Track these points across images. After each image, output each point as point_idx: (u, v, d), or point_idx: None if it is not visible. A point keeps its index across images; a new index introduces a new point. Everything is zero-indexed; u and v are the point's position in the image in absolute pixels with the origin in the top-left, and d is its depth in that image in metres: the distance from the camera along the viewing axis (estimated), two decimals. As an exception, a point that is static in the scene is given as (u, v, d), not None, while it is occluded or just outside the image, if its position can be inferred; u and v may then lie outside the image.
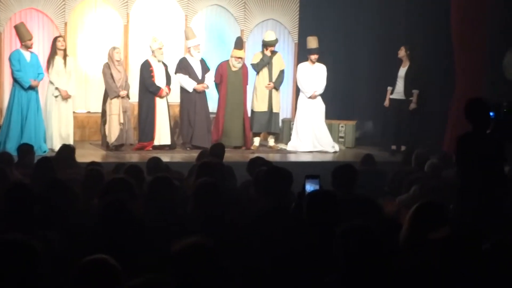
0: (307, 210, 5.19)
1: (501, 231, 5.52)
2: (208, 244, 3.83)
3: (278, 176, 6.23)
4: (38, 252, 3.62)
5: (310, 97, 13.61)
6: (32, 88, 12.15)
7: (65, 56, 12.59)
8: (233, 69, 13.47)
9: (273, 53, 13.77)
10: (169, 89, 13.06)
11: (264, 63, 13.62)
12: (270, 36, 13.80)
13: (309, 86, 13.64)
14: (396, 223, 5.33)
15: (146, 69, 12.91)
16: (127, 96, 12.76)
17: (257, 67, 13.67)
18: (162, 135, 13.04)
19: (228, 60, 13.59)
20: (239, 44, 13.63)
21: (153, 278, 3.56)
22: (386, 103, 13.70)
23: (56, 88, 12.45)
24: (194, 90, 13.20)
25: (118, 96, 12.54)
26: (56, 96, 12.48)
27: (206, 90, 13.44)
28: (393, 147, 13.44)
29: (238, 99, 13.59)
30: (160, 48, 13.01)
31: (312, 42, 13.78)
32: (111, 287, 3.63)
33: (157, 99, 12.93)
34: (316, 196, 5.30)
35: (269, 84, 13.63)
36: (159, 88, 12.86)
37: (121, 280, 3.67)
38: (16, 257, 3.56)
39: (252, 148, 13.71)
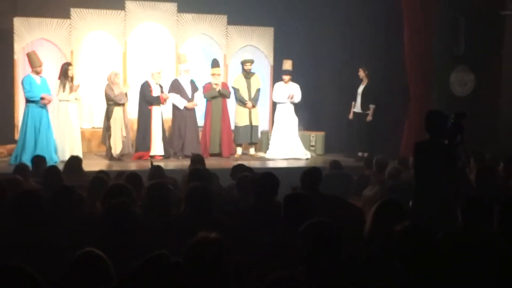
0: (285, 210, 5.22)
1: (451, 224, 5.55)
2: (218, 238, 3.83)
3: (269, 178, 6.22)
4: (39, 282, 3.30)
5: (288, 97, 13.63)
6: (43, 99, 12.07)
7: (72, 80, 12.57)
8: (214, 86, 13.52)
9: (251, 74, 13.81)
10: (166, 95, 13.12)
11: (241, 98, 13.72)
12: (245, 56, 14.02)
13: (284, 98, 13.67)
14: (360, 209, 5.32)
15: (146, 88, 13.02)
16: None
17: (237, 94, 13.78)
18: (157, 146, 13.08)
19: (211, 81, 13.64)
20: (214, 63, 13.74)
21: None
22: (350, 116, 13.81)
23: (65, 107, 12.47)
24: (185, 107, 13.23)
25: (119, 105, 12.68)
26: (65, 114, 12.48)
27: (195, 107, 13.47)
28: (360, 154, 13.45)
29: (219, 114, 13.65)
30: (159, 73, 13.14)
31: (286, 64, 13.87)
32: (99, 277, 3.61)
33: (154, 114, 13.00)
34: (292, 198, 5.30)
35: (246, 104, 13.65)
36: (158, 98, 12.98)
37: (109, 272, 3.64)
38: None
39: (235, 156, 13.72)
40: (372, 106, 13.48)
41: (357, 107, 13.66)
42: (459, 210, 5.01)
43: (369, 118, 13.49)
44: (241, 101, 13.74)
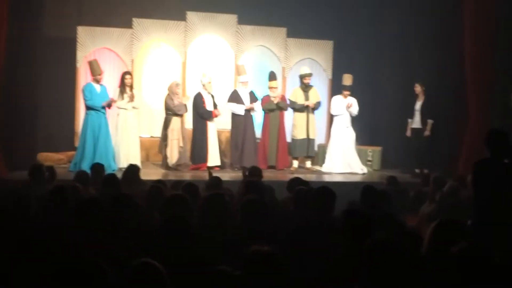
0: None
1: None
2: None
3: (326, 193, 6.19)
4: (107, 274, 3.47)
5: (347, 106, 13.57)
6: (103, 107, 12.29)
7: (131, 89, 12.71)
8: (272, 99, 13.55)
9: (309, 87, 13.78)
10: (218, 111, 13.14)
11: (301, 107, 13.72)
12: (304, 70, 13.99)
13: (343, 109, 13.62)
14: (418, 236, 5.23)
15: (199, 100, 13.05)
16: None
17: (294, 108, 13.80)
18: (213, 157, 13.12)
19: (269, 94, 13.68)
20: (272, 76, 13.76)
21: None
22: (408, 133, 13.68)
23: (124, 116, 12.63)
24: (245, 111, 13.34)
25: (177, 115, 12.84)
26: (124, 123, 12.64)
27: (254, 115, 13.58)
28: (417, 170, 13.31)
29: (277, 126, 13.67)
30: (210, 82, 13.18)
31: (347, 80, 13.82)
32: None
33: (209, 126, 13.09)
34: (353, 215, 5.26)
35: (305, 104, 13.66)
36: (211, 112, 13.02)
37: (165, 283, 3.65)
38: (88, 279, 3.41)
39: (291, 169, 13.71)
40: (430, 121, 13.34)
41: (415, 123, 13.53)
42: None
43: (427, 133, 13.35)
44: (300, 108, 13.73)
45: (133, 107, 12.78)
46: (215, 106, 13.18)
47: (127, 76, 12.78)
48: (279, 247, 4.00)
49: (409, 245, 4.92)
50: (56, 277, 3.37)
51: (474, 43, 12.48)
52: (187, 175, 12.09)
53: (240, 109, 13.34)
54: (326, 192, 6.18)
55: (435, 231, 4.68)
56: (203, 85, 13.16)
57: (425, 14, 13.94)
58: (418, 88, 13.45)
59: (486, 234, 6.02)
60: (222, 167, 13.24)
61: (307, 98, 13.74)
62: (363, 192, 6.71)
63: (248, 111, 13.38)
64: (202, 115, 13.00)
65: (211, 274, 3.61)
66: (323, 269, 4.64)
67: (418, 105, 13.49)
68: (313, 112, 13.91)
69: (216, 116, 13.12)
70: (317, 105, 13.91)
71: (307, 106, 13.67)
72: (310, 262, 4.80)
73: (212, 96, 13.25)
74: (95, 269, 3.43)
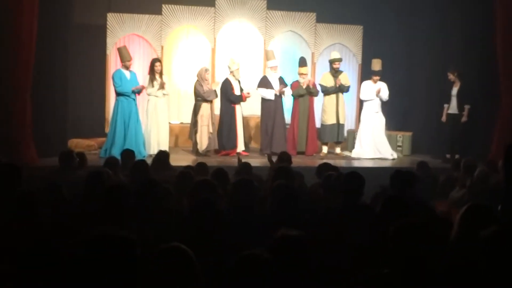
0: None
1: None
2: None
3: (355, 177, 6.18)
4: (136, 245, 3.51)
5: (376, 92, 13.50)
6: (134, 93, 12.35)
7: (161, 75, 12.74)
8: (301, 84, 13.51)
9: (339, 72, 13.72)
10: (248, 94, 13.21)
11: (334, 90, 13.63)
12: (334, 55, 13.92)
13: (373, 94, 13.57)
14: (447, 221, 5.20)
15: (228, 86, 13.10)
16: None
17: (327, 91, 13.69)
18: (242, 142, 13.20)
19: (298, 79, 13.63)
20: (302, 62, 13.70)
21: None
22: (443, 118, 13.56)
23: (154, 102, 12.70)
24: (275, 95, 13.34)
25: (207, 101, 12.85)
26: (154, 109, 12.70)
27: (284, 100, 13.60)
28: (448, 155, 13.24)
29: (306, 112, 13.66)
30: (238, 69, 13.19)
31: (376, 65, 13.72)
32: (185, 272, 3.64)
33: (237, 112, 13.16)
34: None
35: (336, 82, 13.64)
36: (241, 96, 13.10)
37: (195, 268, 3.66)
38: (117, 250, 3.44)
39: (321, 154, 13.70)
40: (467, 107, 13.23)
41: (452, 109, 13.40)
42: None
43: (464, 119, 13.25)
44: (332, 90, 13.68)
45: (164, 94, 12.81)
46: (241, 91, 13.22)
47: (157, 63, 12.81)
48: (308, 232, 3.99)
49: (439, 230, 4.90)
50: (87, 251, 3.43)
51: (504, 27, 12.34)
52: (217, 161, 12.11)
53: (270, 94, 13.33)
54: (355, 177, 6.16)
55: (465, 216, 4.65)
56: (231, 72, 13.18)
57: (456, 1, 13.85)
58: (451, 76, 13.33)
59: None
60: (248, 151, 13.31)
61: (336, 83, 13.68)
62: (392, 177, 6.67)
63: (278, 96, 13.36)
64: (233, 101, 13.05)
65: (241, 257, 3.61)
66: (351, 255, 4.63)
67: (454, 90, 13.37)
68: (343, 95, 13.85)
69: (245, 98, 13.16)
70: (347, 88, 13.84)
71: (338, 86, 13.60)
72: (338, 247, 4.80)
73: (239, 82, 13.29)
74: (124, 241, 3.48)
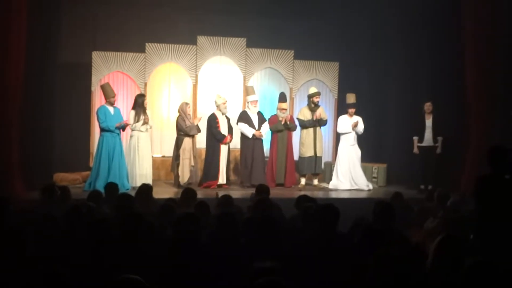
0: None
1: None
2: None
3: (329, 210, 6.14)
4: None
5: (352, 125, 13.53)
6: (117, 128, 12.26)
7: (145, 111, 12.70)
8: (280, 119, 13.51)
9: (317, 106, 13.73)
10: (231, 137, 13.15)
11: (312, 123, 13.61)
12: (313, 89, 13.91)
13: (349, 128, 13.59)
14: (422, 252, 5.18)
15: (213, 121, 13.10)
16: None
17: (305, 125, 13.68)
18: (222, 175, 13.13)
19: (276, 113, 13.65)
20: (282, 97, 13.71)
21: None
22: (415, 150, 13.58)
23: (137, 136, 12.63)
24: (253, 135, 13.30)
25: (189, 135, 12.83)
26: (138, 144, 12.64)
27: (262, 138, 13.54)
28: (422, 186, 13.27)
29: (284, 145, 13.64)
30: (224, 103, 13.18)
31: (351, 98, 13.81)
32: None
33: (222, 147, 13.07)
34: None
35: (314, 114, 13.59)
36: (224, 136, 13.04)
37: None
38: None
39: (299, 186, 13.66)
40: (440, 138, 13.32)
41: (426, 141, 13.44)
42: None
43: (439, 150, 13.34)
44: (310, 124, 13.64)
45: (147, 129, 12.77)
46: (230, 128, 13.23)
47: (145, 100, 12.80)
48: (286, 263, 3.95)
49: (414, 260, 4.88)
50: None
51: (475, 62, 12.46)
52: (199, 193, 12.02)
53: (249, 132, 13.31)
54: (330, 209, 6.13)
55: (439, 247, 4.63)
56: (217, 106, 13.19)
57: (428, 33, 13.99)
58: (430, 107, 13.39)
59: (489, 249, 5.95)
60: (228, 184, 13.26)
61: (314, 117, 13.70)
62: (376, 209, 6.63)
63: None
64: (215, 136, 13.03)
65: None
66: (327, 284, 4.60)
67: (429, 122, 13.43)
68: (320, 129, 13.86)
69: (227, 142, 13.13)
70: (324, 122, 13.86)
71: (317, 120, 13.60)
72: (315, 277, 4.76)
73: (227, 118, 13.29)
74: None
